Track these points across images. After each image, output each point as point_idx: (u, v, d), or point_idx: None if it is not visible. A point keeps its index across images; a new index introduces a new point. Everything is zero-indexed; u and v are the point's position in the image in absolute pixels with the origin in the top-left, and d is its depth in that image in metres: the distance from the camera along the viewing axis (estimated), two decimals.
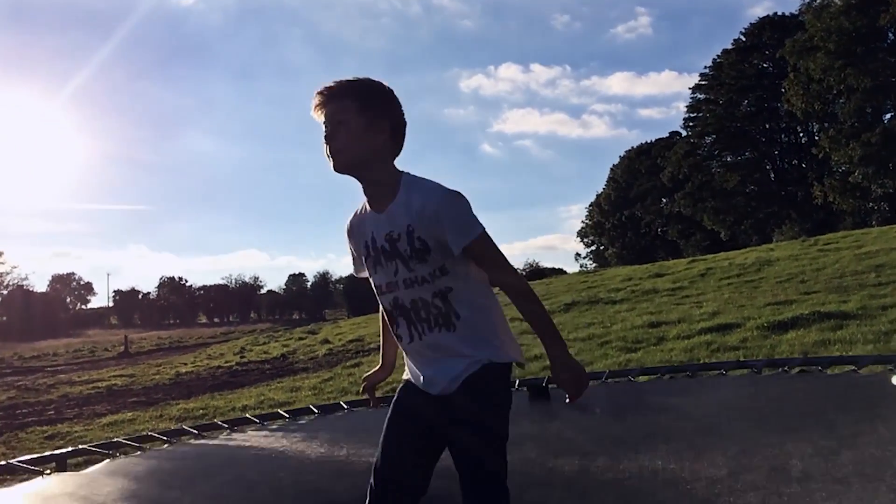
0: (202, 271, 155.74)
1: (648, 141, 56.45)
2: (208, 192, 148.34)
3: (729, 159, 46.42)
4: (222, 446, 3.77)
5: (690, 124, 47.89)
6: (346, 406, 4.25)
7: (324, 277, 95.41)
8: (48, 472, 3.51)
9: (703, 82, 46.87)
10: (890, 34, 35.82)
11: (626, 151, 58.02)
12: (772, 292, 11.06)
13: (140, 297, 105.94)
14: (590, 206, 61.67)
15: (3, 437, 7.47)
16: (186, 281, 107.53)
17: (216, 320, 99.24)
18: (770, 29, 43.88)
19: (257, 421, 4.12)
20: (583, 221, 63.28)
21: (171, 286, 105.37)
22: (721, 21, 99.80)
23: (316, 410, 4.23)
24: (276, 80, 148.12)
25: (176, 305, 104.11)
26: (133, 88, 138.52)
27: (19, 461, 3.62)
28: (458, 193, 1.74)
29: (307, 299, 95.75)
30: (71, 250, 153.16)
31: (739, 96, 44.74)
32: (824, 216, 38.30)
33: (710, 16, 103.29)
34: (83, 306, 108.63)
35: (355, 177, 1.80)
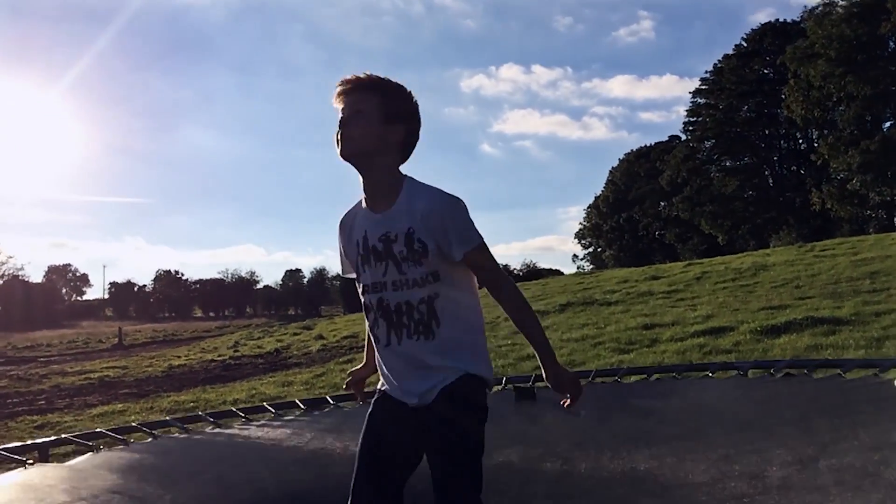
0: (199, 265, 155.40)
1: (648, 144, 56.59)
2: (207, 186, 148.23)
3: (728, 164, 46.48)
4: (207, 440, 3.75)
5: (690, 128, 47.93)
6: (332, 401, 4.23)
7: (320, 274, 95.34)
8: (31, 462, 3.49)
9: (703, 87, 46.91)
10: (891, 43, 35.91)
11: (625, 154, 58.15)
12: (766, 297, 11.08)
13: (136, 289, 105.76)
14: (588, 207, 61.77)
15: None
16: (182, 274, 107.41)
17: (211, 314, 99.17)
18: (771, 35, 43.94)
19: (242, 415, 4.10)
20: (581, 223, 63.42)
21: (167, 279, 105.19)
22: (723, 26, 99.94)
23: (302, 405, 4.22)
24: (276, 77, 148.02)
25: (171, 299, 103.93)
26: (133, 81, 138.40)
27: (1, 449, 3.59)
28: (461, 200, 1.74)
29: (303, 295, 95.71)
30: (68, 241, 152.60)
31: (739, 101, 44.78)
32: (822, 223, 38.37)
33: (713, 21, 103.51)
34: (79, 298, 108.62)
35: (358, 168, 1.78)
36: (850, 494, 2.20)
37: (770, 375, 3.60)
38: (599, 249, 60.45)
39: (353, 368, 2.13)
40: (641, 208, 52.61)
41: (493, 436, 3.07)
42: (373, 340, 1.86)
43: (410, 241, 1.73)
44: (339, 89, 1.77)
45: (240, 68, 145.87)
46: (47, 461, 3.60)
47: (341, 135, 1.75)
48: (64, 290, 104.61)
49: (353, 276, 1.87)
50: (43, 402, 9.52)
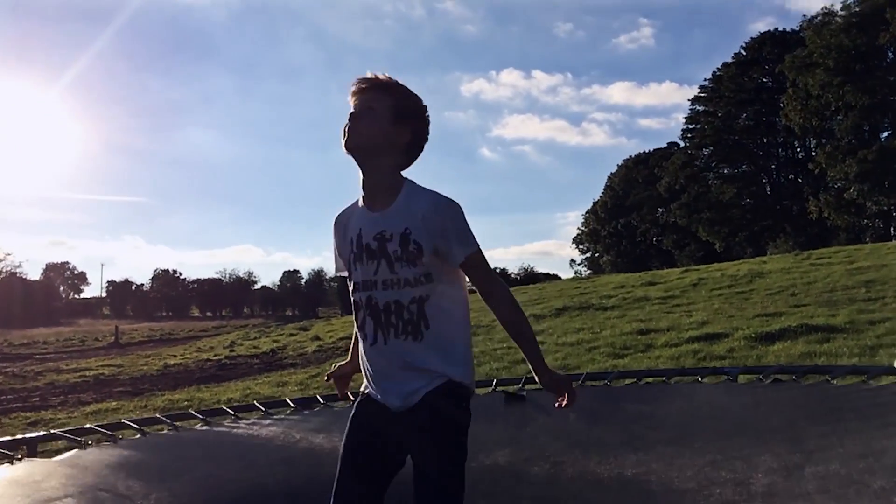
0: (197, 265, 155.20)
1: (646, 150, 56.68)
2: (206, 186, 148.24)
3: (726, 171, 46.58)
4: (196, 438, 3.75)
5: (689, 135, 48.05)
6: (322, 400, 4.24)
7: (318, 275, 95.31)
8: (19, 457, 3.49)
9: (702, 94, 47.05)
10: (889, 53, 36.03)
11: (623, 160, 58.25)
12: (762, 304, 11.11)
13: (133, 288, 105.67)
14: (586, 213, 61.82)
15: None
16: (180, 274, 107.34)
17: (209, 314, 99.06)
18: (770, 44, 44.08)
19: (232, 413, 4.10)
20: (579, 228, 63.46)
21: (165, 279, 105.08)
22: (723, 35, 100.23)
23: (292, 404, 4.22)
24: (276, 78, 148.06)
25: (169, 298, 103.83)
26: (133, 80, 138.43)
27: None
28: (459, 204, 1.76)
29: (301, 296, 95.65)
30: (66, 240, 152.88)
31: (738, 109, 44.90)
32: (819, 231, 38.45)
33: (712, 29, 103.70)
34: (76, 296, 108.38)
35: (360, 163, 1.78)
36: (833, 503, 2.20)
37: (759, 381, 3.61)
38: (597, 255, 60.50)
39: (337, 363, 2.13)
40: (639, 214, 52.69)
41: (482, 438, 3.12)
42: (359, 338, 1.85)
43: (406, 242, 1.72)
44: (354, 87, 1.79)
45: (240, 69, 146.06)
46: (36, 456, 3.60)
47: (349, 127, 1.77)
48: (62, 288, 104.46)
49: (346, 274, 1.87)
50: (37, 399, 9.53)
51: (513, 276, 79.04)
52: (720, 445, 2.68)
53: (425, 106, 1.84)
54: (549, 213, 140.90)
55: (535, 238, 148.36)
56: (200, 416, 4.06)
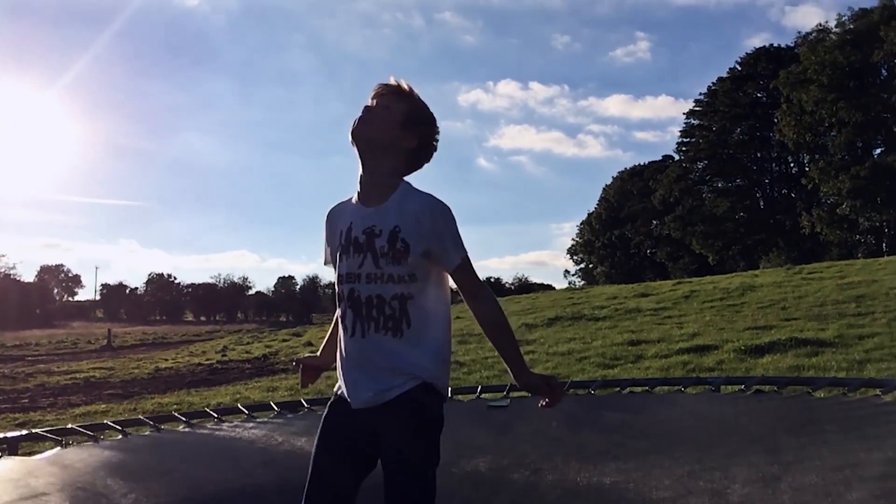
0: (192, 269, 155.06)
1: (642, 163, 56.93)
2: (203, 191, 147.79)
3: (720, 185, 46.81)
4: (177, 439, 3.75)
5: (683, 149, 48.30)
6: (306, 404, 4.24)
7: (313, 281, 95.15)
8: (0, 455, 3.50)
9: (697, 108, 47.35)
10: (883, 70, 36.35)
11: (619, 172, 58.47)
12: (752, 317, 11.16)
13: (127, 291, 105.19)
14: (581, 224, 61.97)
15: None
16: (175, 278, 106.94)
17: (203, 319, 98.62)
18: (765, 59, 44.41)
19: (215, 415, 4.09)
20: (573, 239, 63.59)
21: (160, 283, 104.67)
22: (718, 50, 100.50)
23: (276, 408, 4.22)
24: (275, 84, 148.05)
25: (163, 302, 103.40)
26: (131, 84, 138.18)
27: None
28: (451, 208, 1.78)
29: (295, 302, 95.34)
30: (61, 242, 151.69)
31: (732, 124, 45.17)
32: (811, 246, 38.62)
33: (708, 44, 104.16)
34: (70, 298, 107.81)
35: (362, 155, 1.81)
36: None
37: (742, 392, 3.64)
38: (591, 266, 60.59)
39: (308, 354, 2.13)
40: (634, 226, 52.84)
41: (463, 445, 3.14)
42: (340, 330, 1.85)
43: (394, 239, 1.74)
44: (376, 90, 1.85)
45: (238, 74, 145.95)
46: (15, 455, 3.60)
47: (361, 117, 1.81)
48: (56, 291, 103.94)
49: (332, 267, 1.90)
50: (27, 400, 9.49)
51: (507, 285, 79.09)
52: (699, 455, 2.70)
53: (437, 124, 1.90)
54: (544, 224, 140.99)
55: (529, 248, 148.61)
56: (183, 419, 4.06)
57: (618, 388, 4.07)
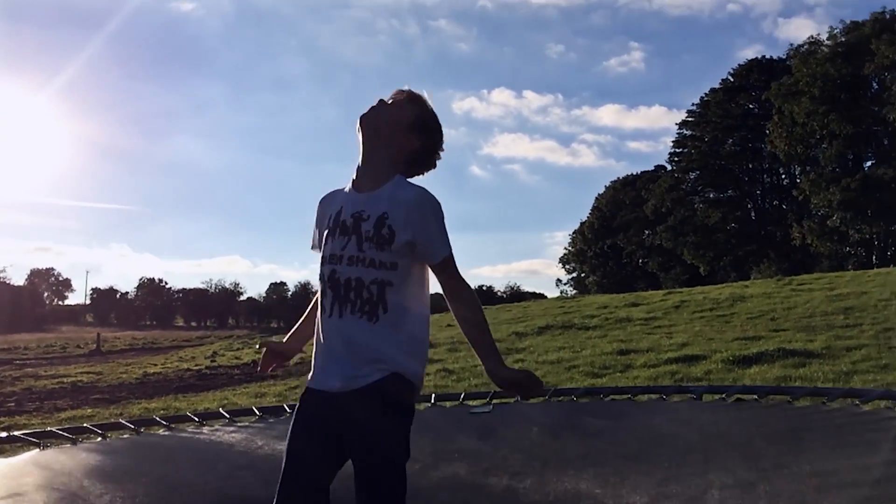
0: (183, 274, 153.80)
1: (634, 173, 57.10)
2: (195, 196, 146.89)
3: (711, 196, 46.99)
4: (156, 442, 3.75)
5: (675, 159, 48.50)
6: (288, 409, 4.23)
7: (305, 288, 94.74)
8: None
9: (689, 119, 47.56)
10: (874, 83, 36.62)
11: (611, 182, 58.61)
12: (741, 327, 11.20)
13: (118, 296, 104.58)
14: (573, 233, 62.01)
15: None
16: (166, 283, 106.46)
17: (193, 324, 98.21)
18: (758, 71, 44.69)
19: (196, 419, 4.08)
20: (566, 248, 63.62)
21: (150, 287, 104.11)
22: (711, 61, 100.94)
23: (258, 412, 4.21)
24: (269, 89, 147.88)
25: (154, 307, 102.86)
26: (124, 87, 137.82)
27: None
28: (441, 204, 1.81)
29: (287, 308, 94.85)
30: (52, 246, 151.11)
31: (724, 135, 45.40)
32: (802, 257, 38.79)
33: (701, 55, 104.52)
34: (60, 302, 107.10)
35: (365, 142, 1.86)
36: None
37: (722, 400, 3.66)
38: (583, 275, 60.66)
39: (275, 339, 2.14)
40: (626, 236, 52.96)
41: (444, 449, 3.15)
42: (318, 312, 1.86)
43: (381, 225, 1.76)
44: (394, 92, 1.94)
45: (231, 79, 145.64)
46: None
47: (374, 106, 1.89)
48: (46, 295, 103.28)
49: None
50: (13, 404, 9.43)
51: (499, 294, 79.02)
52: (677, 461, 2.72)
53: (442, 134, 1.96)
54: (536, 233, 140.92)
55: (522, 257, 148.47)
56: (164, 423, 4.05)
57: (599, 396, 4.08)
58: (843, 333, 9.42)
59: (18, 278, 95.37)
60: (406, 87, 1.94)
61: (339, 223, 1.83)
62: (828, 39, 37.61)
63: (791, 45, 45.03)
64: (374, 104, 1.89)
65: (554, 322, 14.35)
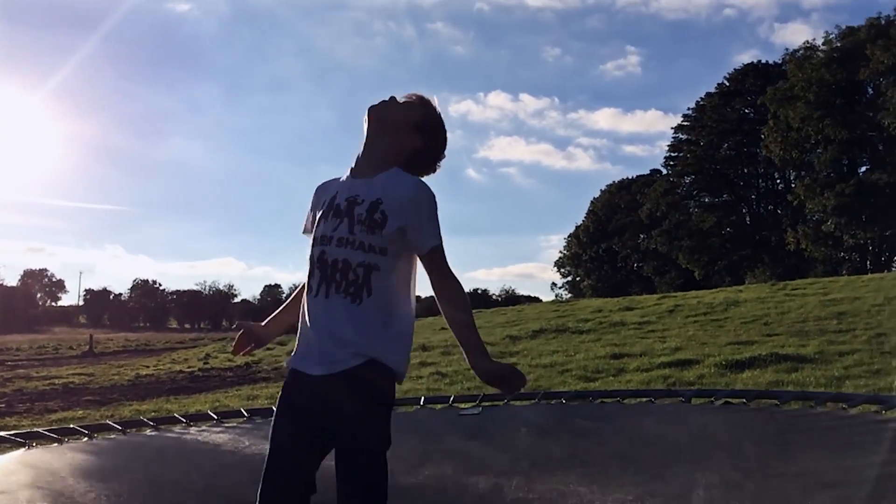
0: (177, 276, 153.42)
1: (630, 177, 57.19)
2: (190, 197, 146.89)
3: (706, 200, 47.12)
4: (144, 442, 3.75)
5: (671, 163, 48.61)
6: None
7: None
8: None
9: (685, 123, 47.69)
10: (869, 88, 36.78)
11: (607, 185, 58.71)
12: (735, 332, 11.22)
13: (111, 297, 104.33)
14: (569, 237, 62.09)
15: None
16: (160, 285, 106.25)
17: (187, 326, 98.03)
18: (753, 76, 44.85)
19: (184, 420, 4.08)
20: (561, 252, 63.66)
21: (144, 289, 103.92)
22: (707, 65, 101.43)
23: (246, 414, 4.20)
24: (264, 91, 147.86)
25: (147, 308, 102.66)
26: (119, 89, 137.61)
27: None
28: (435, 196, 1.83)
29: None
30: (46, 246, 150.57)
31: (720, 139, 45.55)
32: (796, 262, 38.90)
33: (698, 59, 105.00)
34: (53, 303, 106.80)
35: (369, 132, 1.89)
36: None
37: (710, 403, 3.67)
38: (578, 279, 60.72)
39: (254, 322, 2.12)
40: (621, 240, 53.05)
41: (431, 450, 3.14)
42: (305, 291, 1.86)
43: (373, 210, 1.78)
44: (407, 94, 1.99)
45: (227, 80, 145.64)
46: None
47: (383, 100, 1.93)
48: (39, 296, 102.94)
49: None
50: (3, 405, 9.38)
51: (494, 297, 79.12)
52: (664, 462, 2.73)
53: (446, 136, 1.98)
54: (532, 236, 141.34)
55: (517, 260, 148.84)
56: (151, 423, 4.04)
57: (588, 399, 4.09)
58: (836, 338, 9.44)
59: (11, 279, 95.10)
60: (421, 94, 1.98)
61: (332, 206, 1.85)
62: (823, 44, 37.81)
63: (787, 49, 45.38)
64: (386, 99, 1.93)
65: (548, 326, 14.35)
